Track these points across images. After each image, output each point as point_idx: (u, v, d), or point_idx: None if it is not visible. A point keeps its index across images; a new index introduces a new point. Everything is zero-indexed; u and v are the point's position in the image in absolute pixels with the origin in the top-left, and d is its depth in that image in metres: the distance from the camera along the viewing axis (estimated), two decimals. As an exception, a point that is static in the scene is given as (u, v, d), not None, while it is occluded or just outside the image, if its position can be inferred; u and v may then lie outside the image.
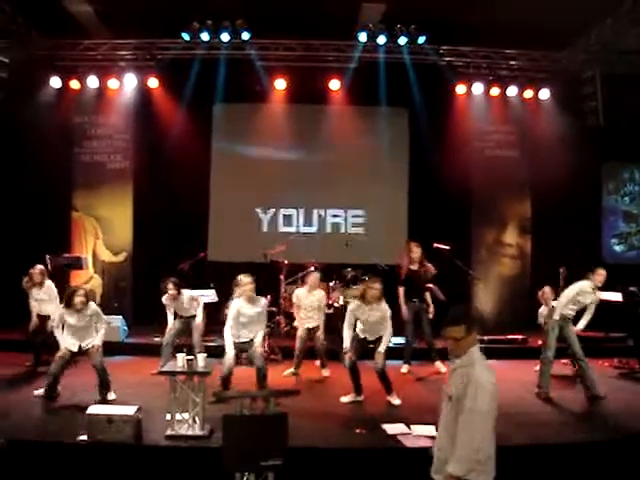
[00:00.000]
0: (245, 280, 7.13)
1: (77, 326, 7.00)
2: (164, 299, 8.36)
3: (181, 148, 11.26)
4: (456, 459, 3.13)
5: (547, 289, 8.79)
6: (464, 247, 11.20)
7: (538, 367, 7.64)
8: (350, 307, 7.28)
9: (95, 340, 7.05)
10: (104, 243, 11.54)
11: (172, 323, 8.41)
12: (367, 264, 10.54)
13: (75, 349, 7.00)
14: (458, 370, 3.29)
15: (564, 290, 8.50)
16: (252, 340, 7.11)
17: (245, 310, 7.11)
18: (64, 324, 7.01)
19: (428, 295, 8.83)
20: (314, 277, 8.71)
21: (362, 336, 7.24)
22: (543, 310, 8.71)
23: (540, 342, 8.77)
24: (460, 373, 3.26)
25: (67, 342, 6.97)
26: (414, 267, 8.81)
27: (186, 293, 8.42)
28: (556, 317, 7.45)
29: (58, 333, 7.01)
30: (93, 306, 7.17)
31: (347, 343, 7.08)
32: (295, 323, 9.01)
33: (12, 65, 10.56)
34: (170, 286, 8.26)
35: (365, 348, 7.23)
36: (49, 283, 8.51)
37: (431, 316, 8.72)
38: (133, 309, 11.16)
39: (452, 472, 3.14)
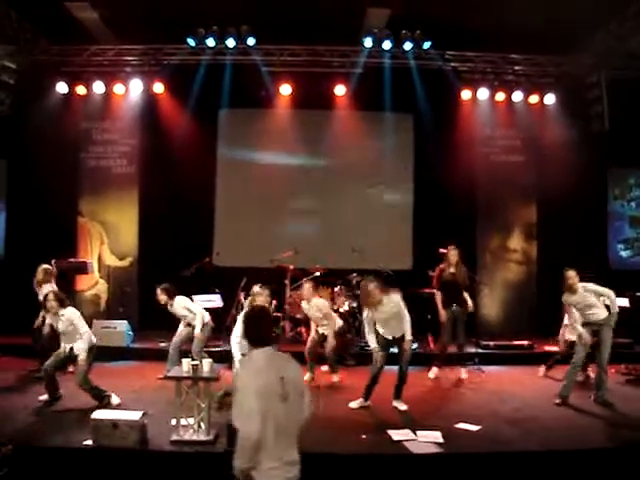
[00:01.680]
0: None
1: (59, 330, 7.04)
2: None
3: (187, 153, 11.27)
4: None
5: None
6: (469, 252, 11.15)
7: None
8: (364, 316, 7.28)
9: (80, 351, 6.85)
10: (109, 248, 11.56)
11: (180, 328, 8.37)
12: (372, 269, 10.49)
13: (66, 351, 7.01)
14: None
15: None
16: None
17: None
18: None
19: (467, 296, 8.79)
20: (305, 288, 8.60)
21: (386, 336, 7.19)
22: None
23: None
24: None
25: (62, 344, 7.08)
26: (452, 270, 8.76)
27: (179, 300, 8.29)
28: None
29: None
30: (68, 312, 7.01)
31: (373, 343, 7.11)
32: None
33: (19, 71, 10.62)
34: (158, 292, 8.23)
35: (390, 345, 7.21)
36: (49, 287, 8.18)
37: (471, 309, 8.80)
38: (138, 314, 11.16)
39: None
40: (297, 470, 3.33)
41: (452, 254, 8.79)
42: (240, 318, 6.85)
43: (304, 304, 8.65)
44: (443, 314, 8.69)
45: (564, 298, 7.42)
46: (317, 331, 8.54)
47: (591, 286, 7.37)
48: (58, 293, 7.22)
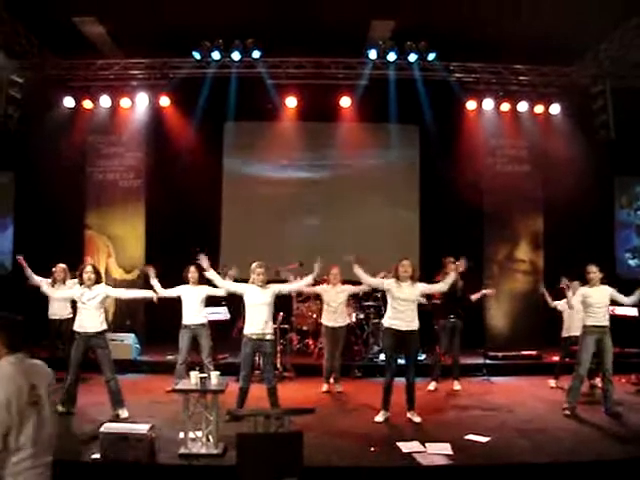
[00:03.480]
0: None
1: (86, 305, 7.09)
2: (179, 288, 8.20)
3: (193, 166, 11.32)
4: None
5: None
6: (476, 263, 11.10)
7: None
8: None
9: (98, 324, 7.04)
10: (116, 261, 11.57)
11: (180, 340, 8.14)
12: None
13: (81, 330, 7.04)
14: None
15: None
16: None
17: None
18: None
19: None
20: (332, 273, 8.79)
21: (396, 327, 7.06)
22: None
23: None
24: None
25: (77, 324, 7.14)
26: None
27: (204, 289, 8.17)
28: None
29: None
30: (101, 286, 7.26)
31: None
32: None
33: (26, 85, 10.67)
34: (193, 268, 8.10)
35: (400, 342, 7.03)
36: (70, 282, 8.56)
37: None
38: (146, 327, 11.16)
39: None
40: (48, 474, 3.35)
41: (450, 267, 8.79)
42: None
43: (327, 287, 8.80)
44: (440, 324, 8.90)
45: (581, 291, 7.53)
46: (328, 329, 8.62)
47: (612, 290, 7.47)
48: (97, 267, 7.57)
